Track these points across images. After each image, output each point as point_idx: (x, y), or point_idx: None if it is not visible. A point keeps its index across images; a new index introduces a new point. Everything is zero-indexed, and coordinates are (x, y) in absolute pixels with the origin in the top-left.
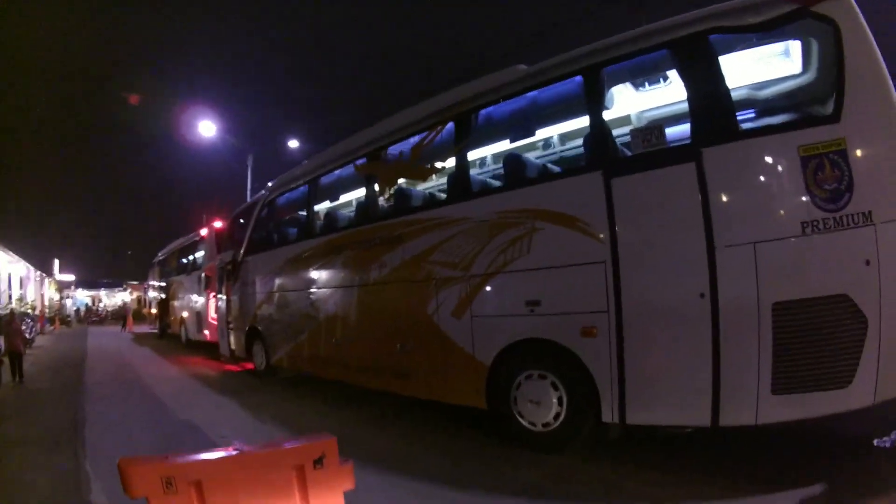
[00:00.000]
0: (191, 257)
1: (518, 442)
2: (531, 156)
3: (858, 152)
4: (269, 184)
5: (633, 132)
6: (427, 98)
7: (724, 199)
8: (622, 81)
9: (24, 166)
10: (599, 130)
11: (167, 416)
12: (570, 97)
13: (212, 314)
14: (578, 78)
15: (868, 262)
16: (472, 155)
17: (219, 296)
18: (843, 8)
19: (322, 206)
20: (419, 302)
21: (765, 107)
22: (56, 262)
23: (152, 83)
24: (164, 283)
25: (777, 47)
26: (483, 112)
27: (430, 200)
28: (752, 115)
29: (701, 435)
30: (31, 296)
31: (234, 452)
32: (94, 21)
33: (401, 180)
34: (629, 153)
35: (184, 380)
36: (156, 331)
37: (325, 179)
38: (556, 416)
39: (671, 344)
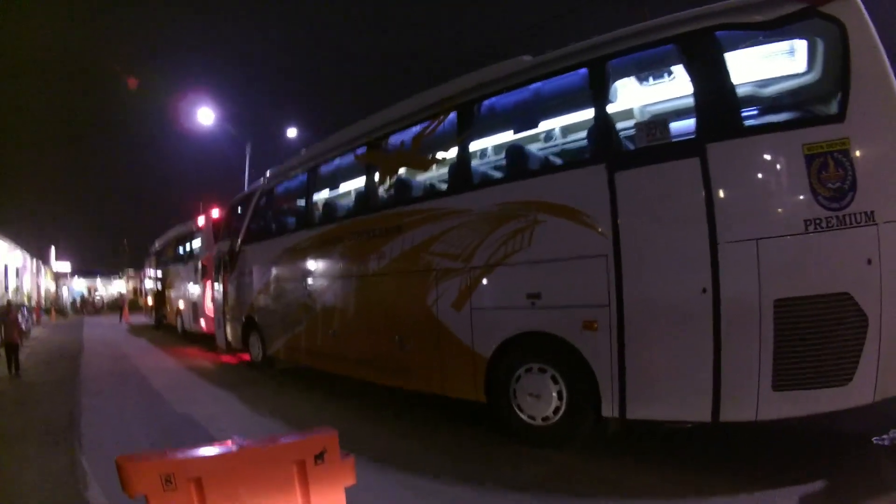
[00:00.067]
0: (187, 247)
1: (516, 437)
2: (532, 148)
3: (862, 152)
4: (268, 172)
5: (637, 126)
6: (426, 88)
7: (728, 194)
8: (627, 75)
9: (20, 154)
10: (604, 123)
11: (164, 409)
12: (574, 89)
13: (208, 304)
14: (584, 70)
15: (870, 262)
16: (474, 145)
17: (215, 286)
18: (850, 8)
19: (321, 196)
20: (418, 293)
21: (768, 104)
22: (52, 250)
23: (151, 70)
24: (160, 273)
25: (782, 46)
26: (486, 102)
27: (431, 191)
28: (756, 112)
29: (700, 431)
30: (27, 286)
31: (235, 448)
32: (91, 6)
33: (401, 170)
34: (632, 147)
35: (181, 372)
36: (152, 321)
37: (324, 168)
38: (556, 410)
39: (672, 339)
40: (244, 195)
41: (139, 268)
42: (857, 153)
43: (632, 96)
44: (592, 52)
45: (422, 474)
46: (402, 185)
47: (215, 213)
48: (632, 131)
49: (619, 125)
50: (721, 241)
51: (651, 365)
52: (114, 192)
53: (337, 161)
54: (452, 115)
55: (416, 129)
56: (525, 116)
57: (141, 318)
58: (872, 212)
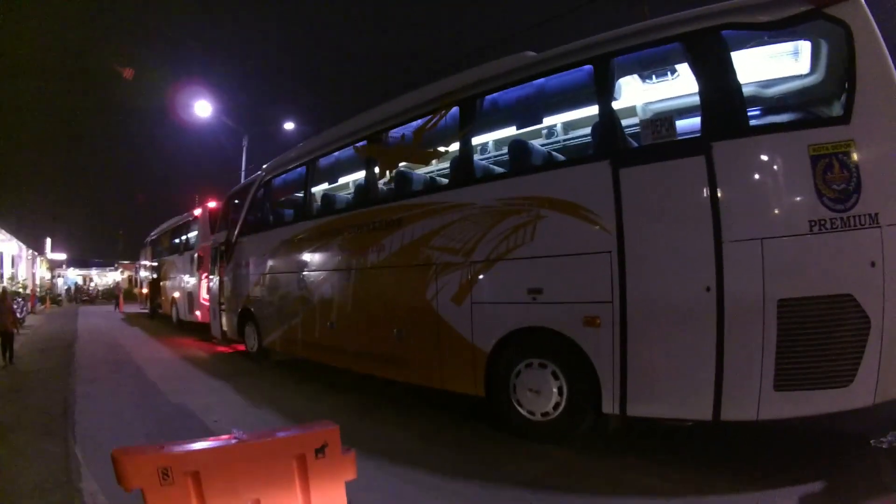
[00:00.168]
0: (183, 237)
1: (515, 432)
2: (536, 143)
3: (867, 154)
4: (266, 165)
5: (643, 123)
6: (424, 83)
7: (733, 193)
8: (631, 73)
9: (17, 146)
10: (608, 120)
11: (159, 398)
12: (578, 86)
13: (204, 295)
14: (589, 67)
15: (873, 264)
16: (477, 140)
17: (211, 276)
18: (855, 11)
19: (320, 188)
20: (418, 287)
21: (773, 105)
22: (48, 241)
23: (149, 63)
24: (155, 263)
25: (786, 47)
26: (489, 98)
27: (432, 185)
28: (760, 112)
29: (700, 430)
30: (22, 274)
31: (233, 441)
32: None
33: (402, 163)
34: (636, 144)
35: (175, 361)
36: (146, 311)
37: (324, 161)
38: (556, 406)
39: (675, 336)
40: (242, 186)
41: (134, 259)
42: (862, 155)
43: (636, 94)
44: (598, 48)
45: (422, 469)
46: (403, 179)
47: (212, 203)
48: (636, 129)
49: (624, 122)
50: (725, 239)
51: (653, 362)
52: (111, 184)
53: (337, 154)
54: (455, 110)
55: (417, 122)
56: (528, 112)
57: (136, 308)
58: (876, 214)
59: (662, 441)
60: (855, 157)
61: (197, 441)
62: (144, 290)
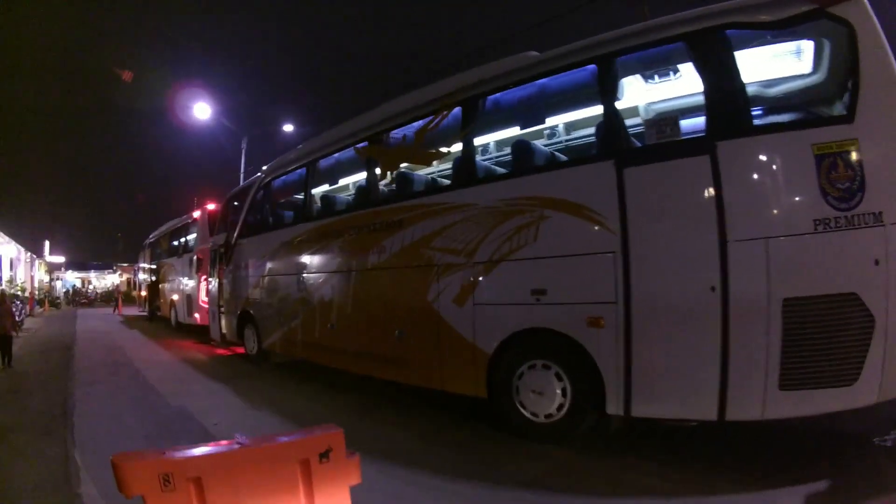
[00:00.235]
0: (182, 239)
1: (518, 433)
2: (539, 143)
3: (871, 153)
4: (265, 167)
5: (647, 123)
6: (424, 83)
7: (738, 193)
8: (634, 72)
9: (17, 148)
10: (612, 120)
11: (158, 401)
12: (581, 86)
13: (203, 297)
14: (592, 66)
15: (877, 262)
16: (479, 140)
17: (210, 279)
18: (859, 10)
19: (321, 189)
20: (419, 288)
21: (776, 104)
22: (47, 244)
23: (148, 65)
24: (154, 266)
25: (789, 46)
26: (491, 98)
27: (434, 185)
28: (763, 111)
29: (701, 429)
30: (20, 277)
31: (236, 446)
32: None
33: (403, 164)
34: (640, 144)
35: (174, 364)
36: (145, 313)
37: (324, 162)
38: (560, 407)
39: (680, 337)
40: (241, 188)
41: (133, 261)
42: (866, 154)
43: (639, 94)
44: (602, 48)
45: (422, 469)
46: (405, 180)
47: (211, 205)
48: (639, 128)
49: (627, 122)
50: (730, 239)
51: (657, 363)
52: (110, 186)
53: (337, 155)
54: (457, 110)
55: (419, 123)
56: (531, 112)
57: (134, 311)
58: (881, 212)
59: (662, 441)
60: (859, 156)
61: (199, 446)
62: (143, 293)
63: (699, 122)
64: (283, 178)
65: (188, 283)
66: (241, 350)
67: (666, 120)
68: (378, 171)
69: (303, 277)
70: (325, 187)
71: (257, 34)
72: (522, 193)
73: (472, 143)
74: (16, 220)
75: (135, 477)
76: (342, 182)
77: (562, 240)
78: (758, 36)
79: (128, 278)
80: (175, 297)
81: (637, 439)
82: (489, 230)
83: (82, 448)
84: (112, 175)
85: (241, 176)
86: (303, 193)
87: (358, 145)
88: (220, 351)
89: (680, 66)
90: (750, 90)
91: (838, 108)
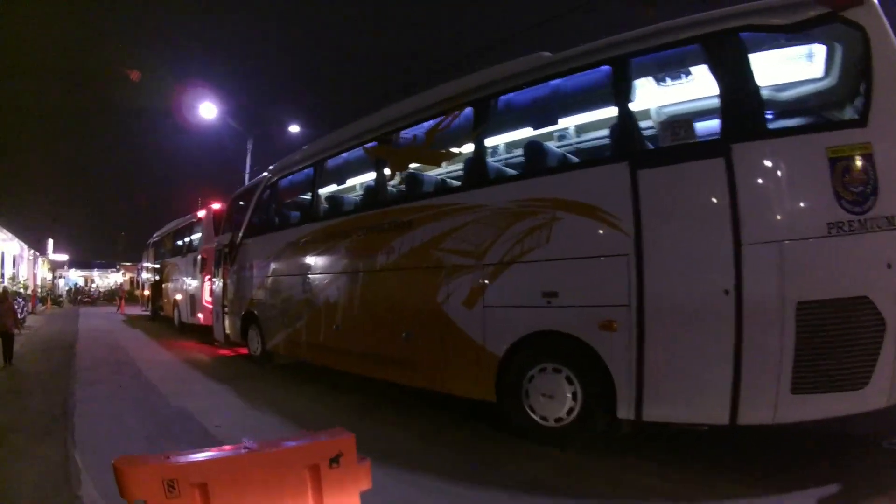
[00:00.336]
0: (186, 239)
1: (526, 436)
2: (551, 144)
3: (884, 157)
4: (272, 166)
5: (662, 125)
6: (426, 87)
7: (752, 196)
8: (648, 74)
9: (20, 145)
10: (627, 121)
11: (160, 401)
12: (595, 87)
13: (206, 297)
14: (606, 67)
15: (889, 266)
16: (491, 141)
17: (214, 279)
18: (871, 15)
19: (328, 190)
20: (428, 290)
21: (786, 108)
22: (50, 242)
23: (151, 64)
24: (157, 265)
25: (800, 50)
26: (503, 98)
27: (444, 186)
28: (776, 115)
29: (705, 432)
30: (23, 275)
31: (243, 451)
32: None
33: (413, 165)
34: (654, 146)
35: (177, 364)
36: (148, 313)
37: (332, 162)
38: (570, 411)
39: (693, 340)
40: (247, 188)
41: (136, 261)
42: (879, 157)
43: (650, 97)
44: (616, 49)
45: (422, 470)
46: (414, 180)
47: (216, 205)
48: (653, 130)
49: (641, 124)
50: (745, 242)
51: (670, 366)
52: (113, 185)
53: (346, 155)
54: (468, 111)
55: (429, 123)
56: (543, 113)
57: (137, 310)
58: (893, 216)
59: (662, 441)
60: (872, 159)
61: (204, 451)
62: (146, 292)
63: (708, 125)
64: (290, 177)
65: (192, 283)
66: (244, 351)
67: (680, 122)
68: (387, 171)
69: (308, 278)
70: (332, 187)
71: (257, 34)
72: (534, 195)
73: (484, 143)
74: (19, 217)
75: (137, 482)
76: (350, 182)
77: (574, 242)
78: (771, 39)
79: (131, 277)
80: (178, 296)
81: (639, 440)
82: (500, 232)
83: (82, 449)
84: (115, 174)
85: (246, 176)
86: (310, 193)
87: (367, 145)
88: (224, 351)
89: (692, 69)
90: (763, 93)
91: (849, 113)
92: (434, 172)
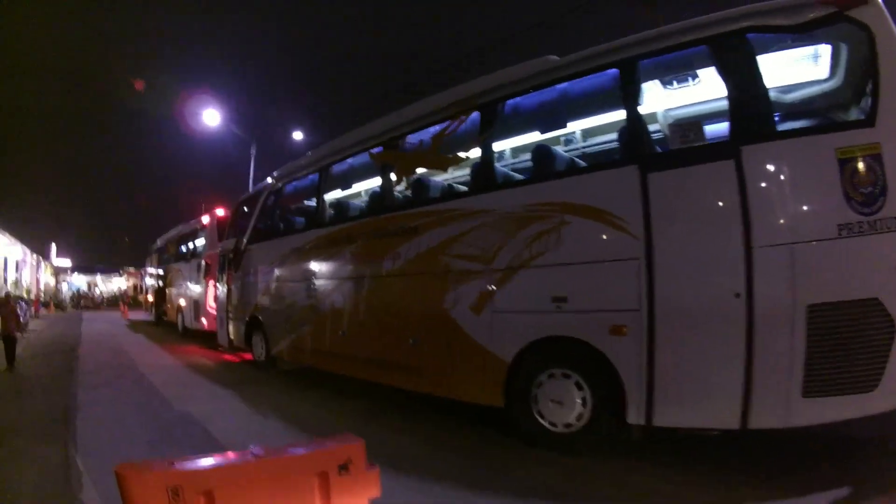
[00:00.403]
0: (190, 245)
1: (535, 442)
2: (559, 148)
3: (892, 157)
4: (276, 172)
5: (671, 127)
6: (426, 88)
7: (763, 198)
8: (655, 77)
9: (24, 150)
10: (636, 124)
11: (163, 406)
12: (603, 90)
13: (210, 303)
14: (614, 70)
15: None
16: (498, 146)
17: (218, 284)
18: (876, 14)
19: (333, 195)
20: (435, 296)
21: (793, 109)
22: (53, 247)
23: (156, 70)
24: (161, 271)
25: (806, 51)
26: (510, 102)
27: (451, 191)
28: (784, 116)
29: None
30: (26, 279)
31: (250, 458)
32: (94, 5)
33: (419, 170)
34: (663, 149)
35: (180, 369)
36: (151, 318)
37: (337, 167)
38: (579, 417)
39: (704, 344)
40: (251, 194)
41: (139, 266)
42: (888, 158)
43: (661, 98)
44: (623, 51)
45: (432, 477)
46: (421, 185)
47: (220, 211)
48: (661, 134)
49: (650, 127)
50: (755, 245)
51: (681, 371)
52: (117, 190)
53: (351, 160)
54: (475, 115)
55: (435, 128)
56: (551, 117)
57: (141, 315)
58: None
59: (667, 443)
60: (882, 160)
61: (210, 457)
62: (150, 298)
63: (716, 128)
64: (295, 183)
65: (196, 289)
66: (248, 356)
67: (690, 124)
68: (393, 176)
69: (314, 284)
70: (337, 193)
71: (257, 34)
72: (543, 199)
73: (491, 147)
74: (22, 222)
75: (141, 489)
76: (355, 188)
77: (583, 246)
78: (777, 40)
79: (134, 283)
80: (182, 302)
81: (647, 444)
82: (508, 236)
83: (84, 453)
84: (120, 178)
85: (250, 182)
86: (315, 199)
87: (373, 150)
88: (228, 357)
89: (699, 72)
90: (772, 95)
91: (856, 113)
92: (441, 177)
